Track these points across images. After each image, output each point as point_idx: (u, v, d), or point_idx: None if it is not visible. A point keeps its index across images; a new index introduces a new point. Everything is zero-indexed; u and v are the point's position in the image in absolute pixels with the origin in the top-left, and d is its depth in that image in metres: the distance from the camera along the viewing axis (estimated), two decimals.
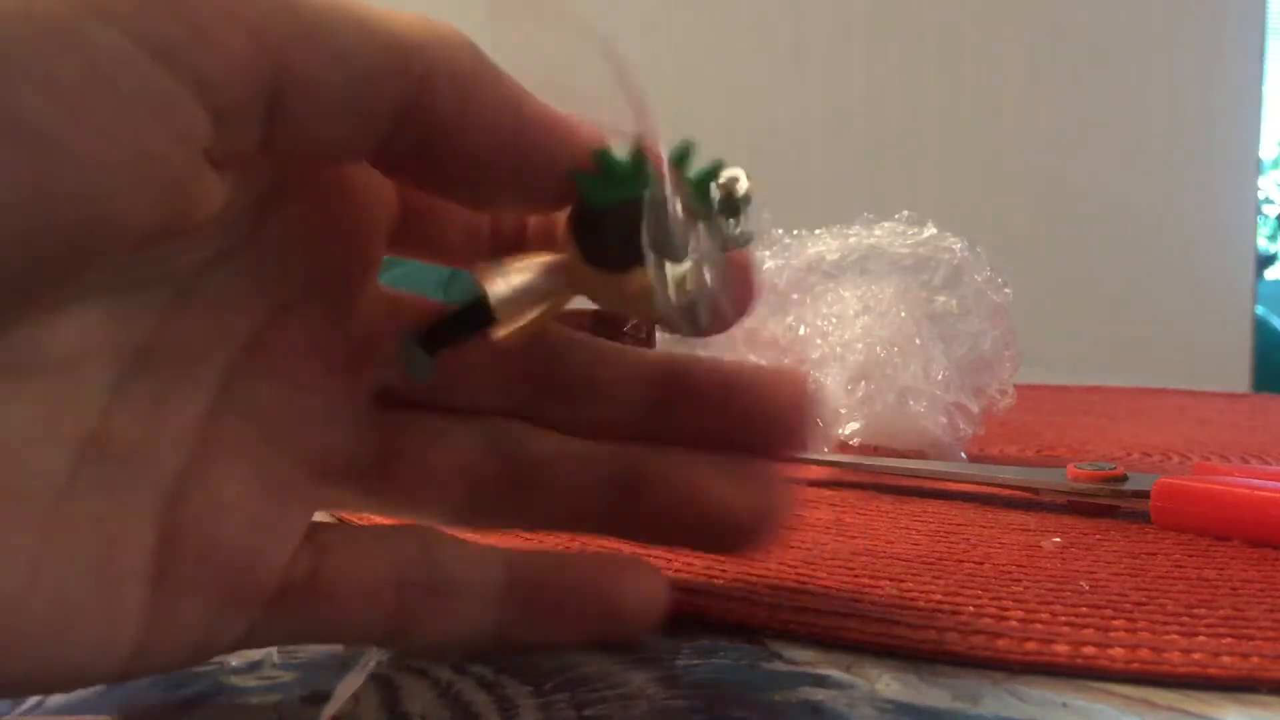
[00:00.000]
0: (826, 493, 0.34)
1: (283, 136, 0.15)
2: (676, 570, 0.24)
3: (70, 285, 0.14)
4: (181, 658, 0.17)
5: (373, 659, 0.20)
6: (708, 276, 0.17)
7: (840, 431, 0.38)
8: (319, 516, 0.19)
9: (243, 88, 0.14)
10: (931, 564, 0.25)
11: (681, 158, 0.17)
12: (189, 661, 0.17)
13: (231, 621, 0.17)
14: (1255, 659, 0.19)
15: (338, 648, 0.20)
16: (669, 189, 0.16)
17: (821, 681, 0.19)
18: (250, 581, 0.17)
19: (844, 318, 0.41)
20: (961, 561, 0.25)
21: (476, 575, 0.19)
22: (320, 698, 0.18)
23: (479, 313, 0.17)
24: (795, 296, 0.43)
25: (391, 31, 0.15)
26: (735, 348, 0.45)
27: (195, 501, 0.16)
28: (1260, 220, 2.03)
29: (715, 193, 0.17)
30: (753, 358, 0.45)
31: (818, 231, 0.44)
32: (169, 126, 0.13)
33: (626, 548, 0.22)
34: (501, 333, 0.17)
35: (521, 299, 0.17)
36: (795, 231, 0.45)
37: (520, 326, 0.17)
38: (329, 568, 0.18)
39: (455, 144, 0.16)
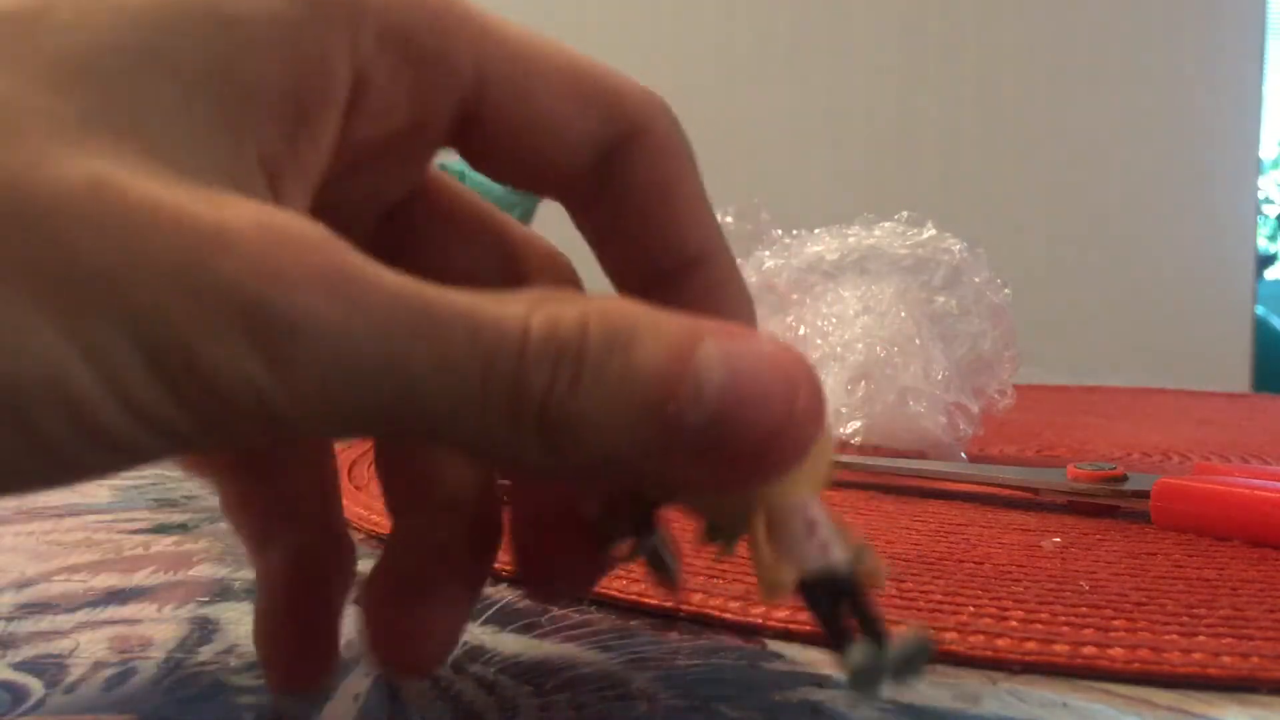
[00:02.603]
0: (826, 493, 0.34)
1: None
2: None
3: None
4: None
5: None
6: None
7: (840, 431, 0.38)
8: None
9: None
10: (931, 564, 0.25)
11: None
12: None
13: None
14: (1255, 659, 0.19)
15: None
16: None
17: (821, 681, 0.19)
18: None
19: (844, 318, 0.41)
20: (961, 561, 0.25)
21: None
22: (320, 698, 0.18)
23: (841, 583, 0.15)
24: (795, 296, 0.43)
25: None
26: None
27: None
28: (1260, 220, 2.03)
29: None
30: None
31: (817, 231, 0.44)
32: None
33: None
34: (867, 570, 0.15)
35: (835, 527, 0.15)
36: (795, 231, 0.45)
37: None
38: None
39: None
